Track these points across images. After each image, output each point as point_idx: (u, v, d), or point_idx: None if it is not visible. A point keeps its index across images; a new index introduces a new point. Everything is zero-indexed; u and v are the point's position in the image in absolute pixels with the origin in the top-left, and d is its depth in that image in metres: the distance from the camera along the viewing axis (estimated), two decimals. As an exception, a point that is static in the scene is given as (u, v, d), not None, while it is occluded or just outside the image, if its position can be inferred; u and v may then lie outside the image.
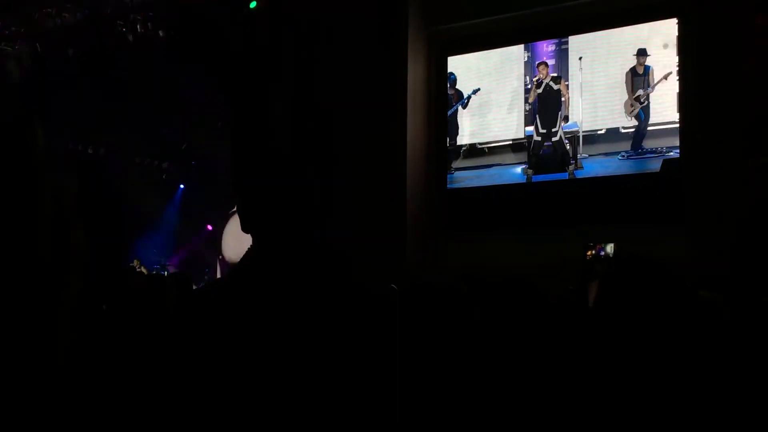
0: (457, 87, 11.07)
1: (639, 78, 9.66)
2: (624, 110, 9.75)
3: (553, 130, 10.16)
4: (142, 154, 16.98)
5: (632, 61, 9.71)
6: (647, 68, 9.60)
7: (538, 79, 10.33)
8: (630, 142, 9.71)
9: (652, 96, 9.58)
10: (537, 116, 10.30)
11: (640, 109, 9.61)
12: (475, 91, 10.93)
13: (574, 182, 10.03)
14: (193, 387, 1.45)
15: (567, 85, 10.17)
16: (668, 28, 9.51)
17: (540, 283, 3.39)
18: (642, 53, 9.63)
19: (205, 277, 15.71)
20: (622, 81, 9.79)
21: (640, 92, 9.63)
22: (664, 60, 9.51)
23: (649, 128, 9.60)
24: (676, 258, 7.69)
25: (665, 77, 9.44)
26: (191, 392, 1.45)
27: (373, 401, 1.44)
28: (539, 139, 10.27)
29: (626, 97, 9.74)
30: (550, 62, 10.31)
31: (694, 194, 8.80)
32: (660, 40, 9.57)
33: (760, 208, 8.15)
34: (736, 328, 2.63)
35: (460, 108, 11.00)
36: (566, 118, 10.15)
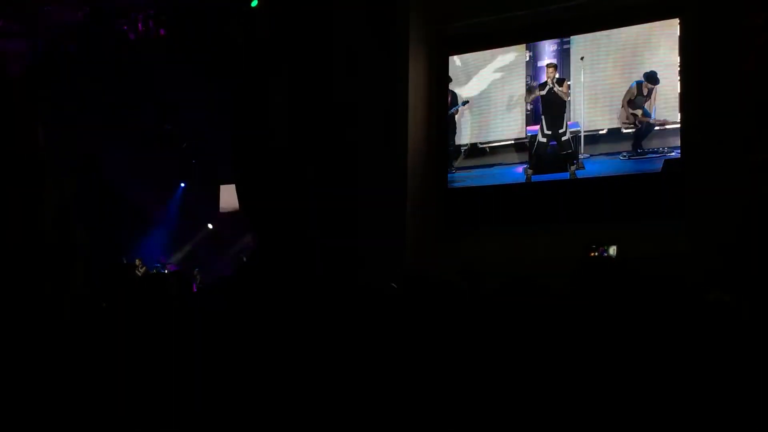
0: (450, 88, 11.07)
1: (641, 98, 9.64)
2: (618, 119, 9.75)
3: (560, 131, 10.14)
4: (143, 151, 16.96)
5: (638, 74, 9.66)
6: (650, 90, 9.58)
7: (545, 81, 10.31)
8: (631, 142, 9.71)
9: (653, 94, 9.58)
10: (543, 117, 10.29)
11: (636, 121, 9.61)
12: (463, 103, 10.95)
13: (576, 182, 10.02)
14: (194, 384, 1.45)
15: (569, 86, 10.16)
16: (670, 28, 9.51)
17: (542, 282, 3.38)
18: (652, 79, 9.56)
19: (197, 276, 15.62)
20: (623, 89, 9.76)
21: (638, 113, 9.61)
22: (666, 59, 9.52)
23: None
24: (677, 256, 7.73)
25: (663, 123, 9.46)
26: (193, 389, 1.45)
27: (373, 396, 1.44)
28: (544, 140, 10.26)
29: (624, 105, 9.74)
30: (556, 63, 10.30)
31: (696, 193, 8.79)
32: (661, 39, 9.57)
33: (760, 205, 8.14)
34: (756, 329, 2.61)
35: (458, 108, 10.99)
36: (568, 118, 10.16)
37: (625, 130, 9.75)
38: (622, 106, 9.72)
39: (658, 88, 9.51)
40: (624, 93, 9.74)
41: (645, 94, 9.60)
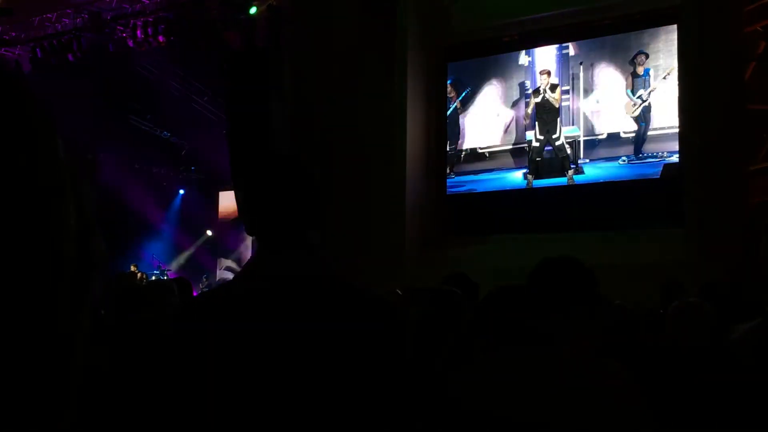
0: (456, 88, 11.11)
1: (639, 79, 9.70)
2: (625, 110, 9.76)
3: (554, 136, 10.17)
4: (141, 159, 17.00)
5: (632, 64, 9.74)
6: (647, 70, 9.64)
7: (538, 87, 10.35)
8: (630, 147, 9.73)
9: (652, 100, 9.60)
10: (536, 122, 10.32)
11: (641, 108, 9.62)
12: (467, 91, 10.98)
13: (575, 187, 10.04)
14: (193, 391, 1.45)
15: (563, 91, 10.20)
16: (668, 34, 9.54)
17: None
18: (641, 53, 9.68)
19: (204, 282, 15.65)
20: (622, 83, 9.82)
21: (642, 92, 9.66)
22: (664, 65, 9.56)
23: (649, 133, 9.61)
24: (675, 262, 7.73)
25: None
26: (196, 397, 1.45)
27: (368, 402, 1.45)
28: (537, 144, 10.29)
29: (626, 98, 9.78)
30: (552, 69, 10.32)
31: (694, 199, 8.79)
32: (660, 45, 9.61)
33: (758, 212, 8.16)
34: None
35: (460, 112, 11.01)
36: (567, 123, 10.18)
37: (624, 135, 9.77)
38: (628, 100, 9.75)
39: (654, 68, 9.57)
40: (623, 84, 9.81)
41: (641, 74, 9.66)
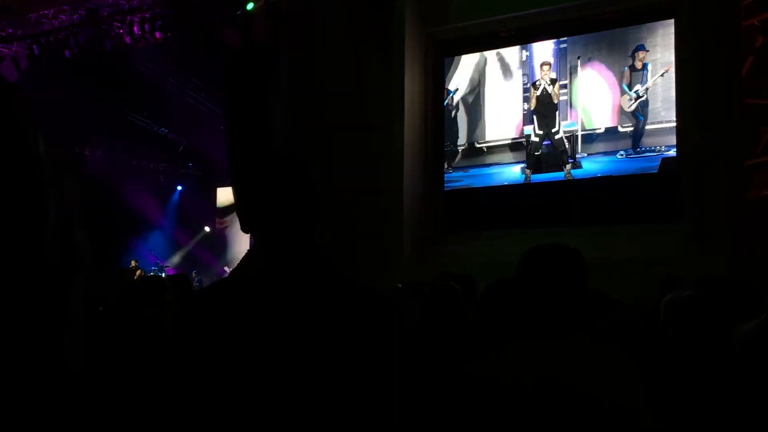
0: (453, 84, 11.10)
1: (637, 73, 9.69)
2: (623, 104, 9.75)
3: (553, 130, 10.16)
4: (139, 155, 16.99)
5: (631, 59, 9.74)
6: (645, 65, 9.63)
7: (537, 81, 10.33)
8: (628, 141, 9.71)
9: (650, 94, 9.59)
10: (534, 116, 10.30)
11: (638, 103, 9.62)
12: (451, 92, 10.99)
13: (573, 182, 10.03)
14: (193, 387, 1.44)
15: (561, 86, 10.18)
16: (666, 28, 9.53)
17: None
18: (640, 48, 9.67)
19: (194, 277, 15.60)
20: (620, 77, 9.80)
21: (639, 87, 9.65)
22: (662, 59, 9.55)
23: (647, 127, 9.60)
24: (673, 257, 7.73)
25: (662, 75, 9.50)
26: (192, 392, 1.45)
27: (368, 399, 1.44)
28: (536, 139, 10.28)
29: (624, 92, 9.77)
30: (550, 63, 10.30)
31: (693, 193, 8.79)
32: (657, 40, 9.60)
33: (756, 207, 8.16)
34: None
35: (458, 107, 10.99)
36: (565, 117, 10.16)
37: (622, 129, 9.76)
38: (625, 95, 9.74)
39: (652, 62, 9.56)
40: (621, 79, 9.80)
41: (640, 68, 9.65)
